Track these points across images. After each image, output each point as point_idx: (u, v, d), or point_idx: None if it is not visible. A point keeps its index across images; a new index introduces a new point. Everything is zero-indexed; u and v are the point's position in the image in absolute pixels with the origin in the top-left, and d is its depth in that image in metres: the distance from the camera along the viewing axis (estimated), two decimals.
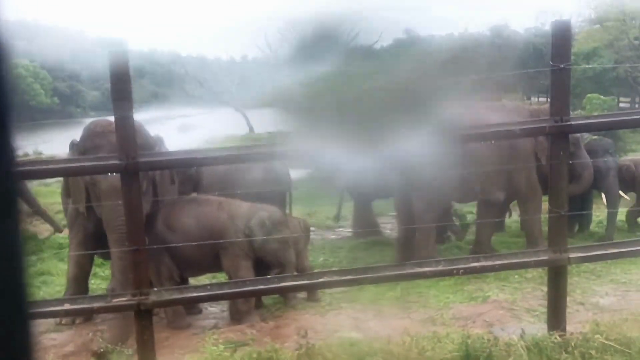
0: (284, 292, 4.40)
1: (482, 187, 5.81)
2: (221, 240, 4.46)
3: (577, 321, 3.66)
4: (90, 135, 4.52)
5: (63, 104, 49.61)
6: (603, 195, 6.63)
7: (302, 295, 4.96)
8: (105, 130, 4.38)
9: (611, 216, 6.66)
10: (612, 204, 6.64)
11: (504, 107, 6.33)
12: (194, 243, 4.37)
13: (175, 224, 4.62)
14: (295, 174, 8.51)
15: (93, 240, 4.74)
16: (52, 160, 3.97)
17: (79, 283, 4.95)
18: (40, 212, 7.44)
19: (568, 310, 3.35)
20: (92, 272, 5.29)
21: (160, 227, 4.58)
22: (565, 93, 3.23)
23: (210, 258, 4.66)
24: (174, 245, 4.45)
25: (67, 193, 4.98)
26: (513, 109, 6.17)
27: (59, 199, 5.97)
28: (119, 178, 3.36)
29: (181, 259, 4.59)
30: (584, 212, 6.70)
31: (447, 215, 6.81)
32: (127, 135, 3.05)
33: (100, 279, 5.65)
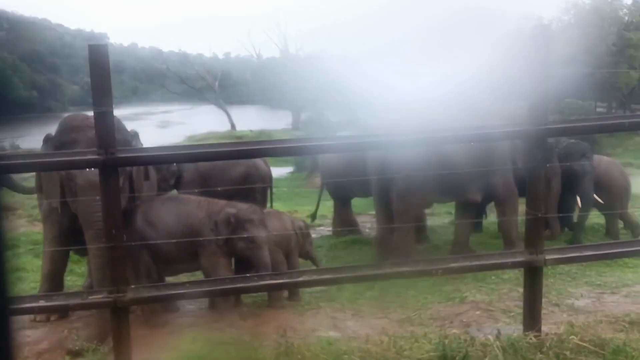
0: (262, 291, 4.39)
1: (460, 187, 5.86)
2: (197, 238, 4.43)
3: (552, 322, 3.72)
4: (67, 129, 4.44)
5: (42, 97, 48.96)
6: (578, 198, 6.73)
7: (284, 294, 4.96)
8: (82, 125, 4.32)
9: (582, 219, 6.78)
10: (586, 207, 6.74)
11: (480, 110, 6.38)
12: (172, 240, 4.35)
13: (155, 221, 4.58)
14: (276, 171, 8.54)
15: (68, 236, 4.67)
16: (29, 155, 3.91)
17: (54, 279, 4.88)
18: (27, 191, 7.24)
19: (543, 311, 3.40)
20: (68, 268, 5.22)
21: (140, 223, 4.54)
22: (543, 98, 3.27)
23: (189, 256, 4.63)
24: (153, 242, 4.41)
25: (39, 188, 4.89)
26: (490, 112, 6.22)
27: (34, 195, 5.88)
28: (96, 173, 3.33)
29: (160, 256, 4.56)
30: (563, 215, 6.79)
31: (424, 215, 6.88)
32: (106, 130, 3.02)
33: (77, 276, 5.60)
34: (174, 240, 4.36)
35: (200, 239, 4.45)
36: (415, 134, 3.95)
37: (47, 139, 4.54)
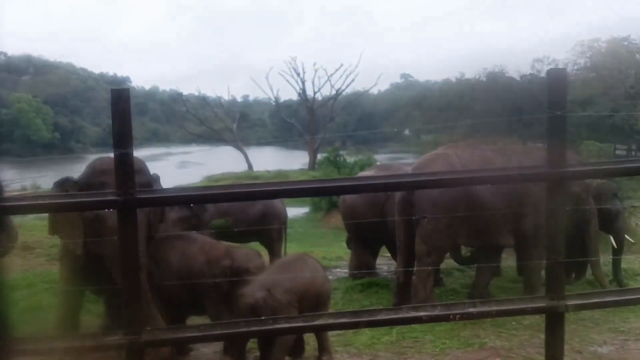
0: (276, 335, 4.32)
1: (490, 231, 5.73)
2: (192, 281, 4.43)
3: None
4: (96, 172, 4.48)
5: (64, 139, 49.92)
6: (612, 239, 6.58)
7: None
8: (111, 168, 4.37)
9: (617, 261, 6.60)
10: (621, 247, 6.59)
11: (513, 149, 6.18)
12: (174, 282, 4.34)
13: (161, 261, 4.59)
14: (292, 212, 8.55)
15: (84, 276, 4.68)
16: (49, 195, 3.95)
17: (70, 319, 4.87)
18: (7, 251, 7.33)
19: (566, 358, 3.31)
20: (85, 308, 5.21)
21: (150, 263, 4.54)
22: (561, 140, 3.25)
23: (190, 298, 4.61)
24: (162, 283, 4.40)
25: (53, 229, 4.89)
26: (523, 152, 5.98)
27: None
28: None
29: (166, 297, 4.54)
30: (582, 260, 6.65)
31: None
32: (126, 171, 3.05)
33: (93, 315, 5.57)
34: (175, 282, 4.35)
35: (199, 281, 4.43)
36: (436, 175, 3.95)
37: (65, 181, 4.56)
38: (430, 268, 5.64)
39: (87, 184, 4.39)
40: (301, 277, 4.27)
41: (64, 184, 4.56)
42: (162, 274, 4.45)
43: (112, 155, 3.13)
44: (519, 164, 5.39)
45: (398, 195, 5.88)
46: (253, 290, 4.14)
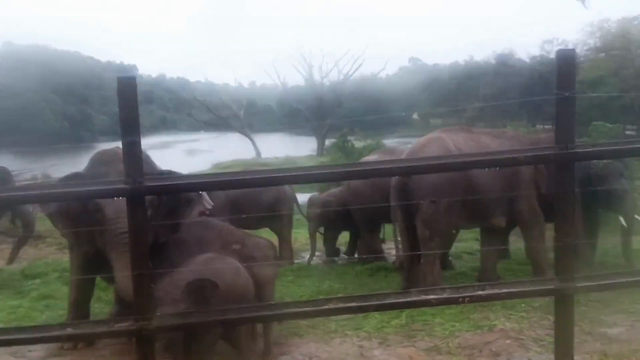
0: (287, 319, 4.36)
1: (483, 212, 5.79)
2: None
3: (585, 351, 3.62)
4: (98, 163, 4.57)
5: (73, 128, 50.13)
6: (621, 219, 6.54)
7: (307, 322, 4.91)
8: (113, 159, 4.42)
9: (628, 241, 6.55)
10: (631, 227, 6.55)
11: (504, 134, 6.33)
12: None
13: (181, 246, 4.61)
14: (301, 198, 8.58)
15: (94, 264, 4.74)
16: (58, 185, 3.97)
17: (81, 307, 4.93)
18: (24, 239, 7.45)
19: (576, 340, 3.30)
20: (95, 296, 5.26)
21: (172, 248, 4.58)
22: (570, 121, 3.22)
23: None
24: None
25: (62, 222, 4.94)
26: (513, 137, 6.17)
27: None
28: (124, 202, 3.37)
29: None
30: (590, 242, 6.63)
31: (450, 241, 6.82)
32: (134, 159, 3.06)
33: (104, 303, 5.63)
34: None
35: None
36: (440, 159, 3.94)
37: (74, 176, 4.61)
38: (435, 252, 5.66)
39: (90, 176, 4.43)
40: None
41: (72, 179, 4.61)
42: (182, 258, 4.48)
43: (118, 144, 3.14)
44: (511, 148, 5.46)
45: (394, 179, 5.88)
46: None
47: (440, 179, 5.45)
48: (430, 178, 5.49)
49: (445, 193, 5.44)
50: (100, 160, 4.58)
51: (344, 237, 8.53)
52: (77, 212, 4.52)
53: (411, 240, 5.90)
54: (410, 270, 5.92)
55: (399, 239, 6.23)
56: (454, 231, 6.34)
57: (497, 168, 5.43)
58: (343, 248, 8.44)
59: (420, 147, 5.88)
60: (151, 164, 4.58)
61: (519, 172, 5.76)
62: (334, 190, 8.33)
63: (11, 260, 7.23)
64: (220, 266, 4.19)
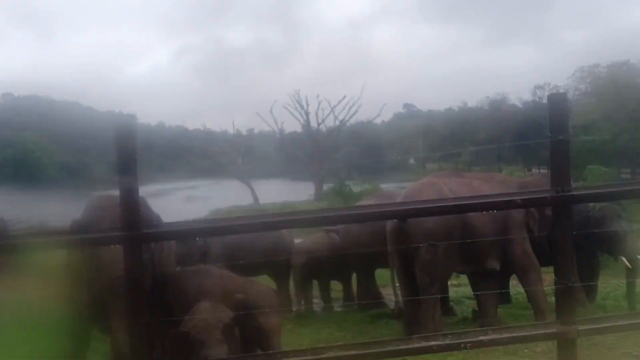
0: None
1: (478, 256, 5.78)
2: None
3: None
4: (92, 208, 4.56)
5: (71, 177, 50.17)
6: (625, 260, 6.49)
7: None
8: (106, 204, 4.43)
9: (633, 284, 6.50)
10: (636, 268, 6.50)
11: (492, 178, 6.36)
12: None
13: (181, 296, 4.56)
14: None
15: (89, 314, 4.69)
16: (57, 232, 3.95)
17: (77, 358, 4.84)
18: None
19: None
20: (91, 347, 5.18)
21: (170, 298, 4.53)
22: (565, 163, 3.25)
23: None
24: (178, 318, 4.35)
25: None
26: (502, 181, 6.22)
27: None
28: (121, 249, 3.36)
29: None
30: (591, 284, 6.58)
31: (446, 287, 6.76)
32: (131, 207, 3.07)
33: (100, 355, 5.52)
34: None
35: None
36: (437, 202, 3.95)
37: (74, 224, 4.64)
38: (436, 297, 5.62)
39: (84, 222, 4.43)
40: None
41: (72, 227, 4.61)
42: (181, 309, 4.42)
43: (112, 192, 3.16)
44: (501, 191, 5.46)
45: (389, 224, 5.87)
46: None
47: (436, 223, 5.45)
48: (427, 222, 5.49)
49: (443, 237, 5.43)
50: (95, 206, 4.58)
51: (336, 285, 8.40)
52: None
53: (410, 285, 5.85)
54: (410, 316, 5.85)
55: (397, 284, 6.18)
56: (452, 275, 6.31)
57: (493, 211, 5.43)
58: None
59: (415, 191, 5.90)
60: (148, 208, 4.58)
61: (510, 216, 5.77)
62: (317, 236, 8.10)
63: None
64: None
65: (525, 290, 6.01)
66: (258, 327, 4.47)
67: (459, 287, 7.73)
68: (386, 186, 24.13)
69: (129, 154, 3.06)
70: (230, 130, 48.25)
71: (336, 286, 8.26)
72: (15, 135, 50.24)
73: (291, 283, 7.83)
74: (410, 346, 3.39)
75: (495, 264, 5.87)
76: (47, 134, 51.34)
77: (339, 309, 7.90)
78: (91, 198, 4.82)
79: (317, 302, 8.06)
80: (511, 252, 5.84)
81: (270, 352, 4.27)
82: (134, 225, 3.04)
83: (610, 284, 6.91)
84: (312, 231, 8.32)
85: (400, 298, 6.08)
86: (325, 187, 31.79)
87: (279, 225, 4.26)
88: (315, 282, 8.04)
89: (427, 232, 5.49)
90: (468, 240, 5.47)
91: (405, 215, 4.82)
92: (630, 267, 6.46)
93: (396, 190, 12.23)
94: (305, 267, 7.53)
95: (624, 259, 6.49)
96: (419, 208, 3.80)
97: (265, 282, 6.16)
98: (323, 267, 7.69)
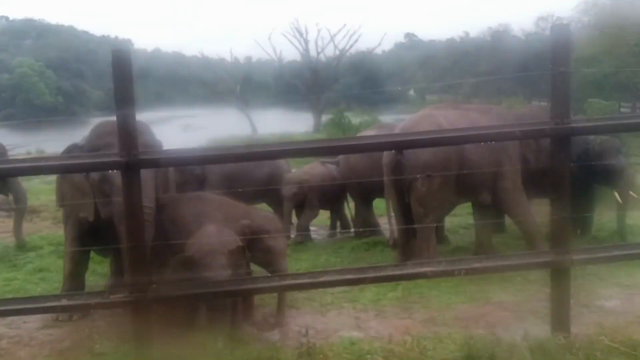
0: (284, 291, 4.37)
1: (472, 189, 5.79)
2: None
3: (581, 323, 3.63)
4: (100, 134, 4.50)
5: (67, 102, 49.75)
6: (616, 194, 6.56)
7: (304, 294, 4.93)
8: (115, 130, 4.38)
9: (623, 216, 6.60)
10: (626, 203, 6.58)
11: (490, 110, 6.28)
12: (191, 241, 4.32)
13: (179, 222, 4.60)
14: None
15: (89, 237, 4.74)
16: (53, 157, 3.94)
17: (76, 279, 4.93)
18: (20, 213, 7.42)
19: (572, 312, 3.32)
20: (90, 269, 5.27)
21: (167, 224, 4.57)
22: (565, 96, 3.22)
23: None
24: (174, 242, 4.40)
25: (59, 195, 4.96)
26: (499, 113, 6.15)
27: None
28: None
29: None
30: (587, 215, 6.65)
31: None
32: (128, 132, 3.04)
33: (99, 276, 5.63)
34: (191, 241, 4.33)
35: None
36: (436, 134, 3.92)
37: (74, 148, 4.60)
38: (431, 226, 5.67)
39: (92, 147, 4.40)
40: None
41: (72, 151, 4.59)
42: (180, 234, 4.47)
43: (114, 118, 3.11)
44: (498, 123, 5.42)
45: (386, 157, 5.86)
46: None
47: (433, 155, 5.43)
48: (423, 155, 5.47)
49: (439, 170, 5.43)
50: (102, 132, 4.51)
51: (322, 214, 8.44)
52: (80, 183, 4.51)
53: (405, 216, 5.91)
54: (405, 246, 5.94)
55: (392, 214, 6.24)
56: (447, 207, 6.33)
57: (490, 143, 5.40)
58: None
59: (413, 123, 5.86)
60: (151, 134, 4.55)
61: (506, 148, 5.72)
62: (309, 166, 8.07)
63: (19, 237, 7.21)
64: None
65: (515, 222, 6.06)
66: (267, 250, 4.55)
67: (455, 217, 7.78)
68: (385, 118, 23.98)
69: (125, 79, 3.01)
70: (228, 58, 47.46)
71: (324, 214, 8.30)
72: (11, 58, 49.46)
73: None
74: (405, 272, 3.46)
75: (487, 198, 5.88)
76: (42, 58, 50.50)
77: (337, 237, 7.99)
78: (97, 124, 4.75)
79: (314, 230, 8.15)
80: (502, 185, 5.80)
81: (269, 275, 4.35)
82: (130, 151, 3.02)
83: (605, 216, 6.98)
84: (310, 162, 8.31)
85: (395, 228, 6.16)
86: (324, 118, 31.57)
87: (277, 154, 4.24)
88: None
89: (423, 164, 5.48)
90: (462, 174, 5.47)
91: (401, 146, 4.81)
92: (620, 201, 6.54)
93: (396, 122, 12.15)
94: (295, 197, 7.55)
95: (615, 193, 6.55)
96: (415, 139, 3.77)
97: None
98: (314, 197, 7.69)
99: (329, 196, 7.80)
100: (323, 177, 7.70)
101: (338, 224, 8.14)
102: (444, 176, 5.46)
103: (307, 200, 7.61)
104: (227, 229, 4.39)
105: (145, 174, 4.20)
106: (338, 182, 7.60)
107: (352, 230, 7.87)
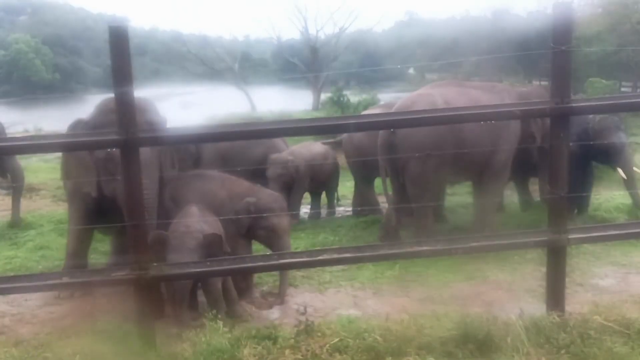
0: (283, 269, 4.41)
1: (469, 168, 5.79)
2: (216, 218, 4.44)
3: (576, 302, 3.68)
4: (105, 111, 4.48)
5: (64, 80, 49.38)
6: (620, 171, 6.58)
7: (302, 272, 4.97)
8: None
9: (635, 194, 6.59)
10: (632, 179, 6.59)
11: (493, 88, 6.23)
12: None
13: (180, 199, 4.62)
14: None
15: (93, 216, 4.75)
16: (51, 135, 3.93)
17: (78, 257, 4.97)
18: (18, 192, 7.42)
19: (567, 291, 3.36)
20: (92, 247, 5.30)
21: (167, 202, 4.59)
22: (566, 75, 3.21)
23: None
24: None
25: (65, 170, 4.97)
26: (502, 90, 6.10)
27: (58, 174, 5.98)
28: (146, 150, 3.36)
29: None
30: (584, 195, 6.67)
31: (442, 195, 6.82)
32: (127, 110, 3.03)
33: (100, 254, 5.66)
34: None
35: (219, 218, 4.45)
36: (434, 112, 3.91)
37: (78, 123, 4.59)
38: (427, 206, 5.70)
39: (96, 124, 4.39)
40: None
41: (76, 126, 4.57)
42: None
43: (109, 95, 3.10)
44: (502, 102, 5.43)
45: (380, 136, 5.86)
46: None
47: (425, 136, 5.42)
48: (416, 135, 5.46)
49: (432, 149, 5.39)
50: (107, 109, 4.46)
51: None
52: (85, 160, 4.51)
53: (401, 194, 5.93)
54: (400, 224, 5.97)
55: (389, 193, 6.27)
56: (443, 186, 6.34)
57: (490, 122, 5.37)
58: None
59: (409, 102, 5.85)
60: (155, 112, 4.54)
61: (507, 127, 5.68)
62: (299, 146, 7.85)
63: (16, 215, 7.22)
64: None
65: (479, 199, 6.05)
66: (271, 229, 4.58)
67: (453, 196, 7.81)
68: (385, 96, 23.86)
69: (123, 56, 2.98)
70: (226, 36, 47.06)
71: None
72: (6, 35, 48.98)
73: None
74: (403, 250, 3.48)
75: (484, 175, 5.86)
76: (38, 34, 50.00)
77: (334, 216, 8.00)
78: (102, 101, 4.72)
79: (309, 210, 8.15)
80: (493, 162, 5.76)
81: (268, 254, 4.38)
82: (129, 129, 3.01)
83: (602, 195, 7.01)
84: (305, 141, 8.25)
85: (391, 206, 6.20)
86: (323, 96, 31.40)
87: (273, 132, 4.22)
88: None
89: (416, 144, 5.47)
90: (457, 153, 5.45)
91: (393, 125, 4.75)
92: (625, 178, 6.55)
93: (396, 101, 12.09)
94: (280, 178, 7.34)
95: (619, 170, 6.56)
96: (407, 119, 3.78)
97: None
98: (301, 178, 7.52)
99: (321, 177, 7.69)
100: (313, 157, 7.57)
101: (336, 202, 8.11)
102: (438, 156, 5.44)
103: (295, 181, 7.48)
104: (210, 213, 4.36)
105: (150, 153, 4.23)
106: (329, 163, 7.56)
107: (351, 208, 7.87)
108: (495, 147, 5.62)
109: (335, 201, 7.96)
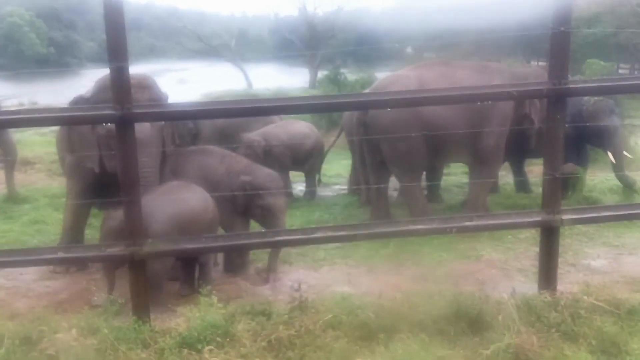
0: (278, 247, 4.43)
1: (447, 150, 5.77)
2: (213, 194, 4.44)
3: (568, 282, 3.72)
4: (105, 88, 4.43)
5: (59, 54, 48.92)
6: (610, 155, 6.59)
7: (297, 250, 4.99)
8: None
9: (621, 178, 6.62)
10: (620, 164, 6.60)
11: (485, 68, 6.13)
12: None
13: (181, 174, 4.63)
14: None
15: (92, 191, 4.75)
16: (46, 109, 3.91)
17: (75, 233, 4.97)
18: (10, 165, 7.39)
19: (559, 271, 3.40)
20: (88, 222, 5.30)
21: (168, 176, 4.59)
22: (564, 56, 3.20)
23: None
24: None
25: (67, 145, 4.93)
26: (494, 71, 5.99)
27: (54, 148, 5.95)
28: (143, 129, 3.34)
29: None
30: (578, 176, 6.69)
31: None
32: (122, 85, 3.01)
33: (96, 230, 5.67)
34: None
35: (217, 194, 4.45)
36: (422, 92, 3.90)
37: (80, 100, 4.56)
38: (414, 185, 5.74)
39: (97, 99, 4.36)
40: (180, 207, 4.10)
41: (78, 103, 4.54)
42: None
43: (107, 71, 3.07)
44: (491, 82, 5.31)
45: (354, 116, 5.96)
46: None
47: (393, 118, 5.42)
48: (384, 117, 5.48)
49: (399, 132, 5.34)
50: (108, 84, 4.46)
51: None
52: (86, 136, 4.49)
53: (379, 172, 5.95)
54: (379, 204, 6.00)
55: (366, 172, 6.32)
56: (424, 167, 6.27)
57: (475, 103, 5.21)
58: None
59: (385, 83, 5.86)
60: (155, 88, 4.51)
61: (495, 108, 5.54)
62: (276, 125, 7.54)
63: (11, 189, 7.20)
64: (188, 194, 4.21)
65: (516, 181, 6.07)
66: (267, 207, 4.59)
67: (449, 176, 7.83)
68: (381, 75, 23.73)
69: (118, 30, 2.96)
70: (224, 12, 46.59)
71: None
72: (1, 8, 48.38)
73: None
74: (398, 228, 3.50)
75: (469, 157, 5.86)
76: (32, 7, 49.39)
77: (329, 193, 7.98)
78: (103, 77, 4.68)
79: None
80: (484, 143, 5.66)
81: (262, 230, 4.40)
82: (124, 104, 3.00)
83: (597, 177, 7.03)
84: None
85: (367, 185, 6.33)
86: (320, 74, 31.23)
87: (274, 110, 4.21)
88: None
89: (385, 126, 5.47)
90: (426, 135, 5.40)
91: (361, 107, 4.82)
92: (614, 162, 6.57)
93: None
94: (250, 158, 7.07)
95: (609, 153, 6.57)
96: (371, 100, 3.81)
97: None
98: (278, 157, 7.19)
99: (300, 156, 7.43)
100: (291, 136, 7.27)
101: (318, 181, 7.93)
102: (408, 139, 5.39)
103: (270, 161, 6.95)
104: (199, 192, 4.32)
105: (150, 130, 4.22)
106: (310, 142, 7.42)
107: (346, 187, 7.87)
108: (478, 129, 5.49)
109: (317, 181, 7.75)
